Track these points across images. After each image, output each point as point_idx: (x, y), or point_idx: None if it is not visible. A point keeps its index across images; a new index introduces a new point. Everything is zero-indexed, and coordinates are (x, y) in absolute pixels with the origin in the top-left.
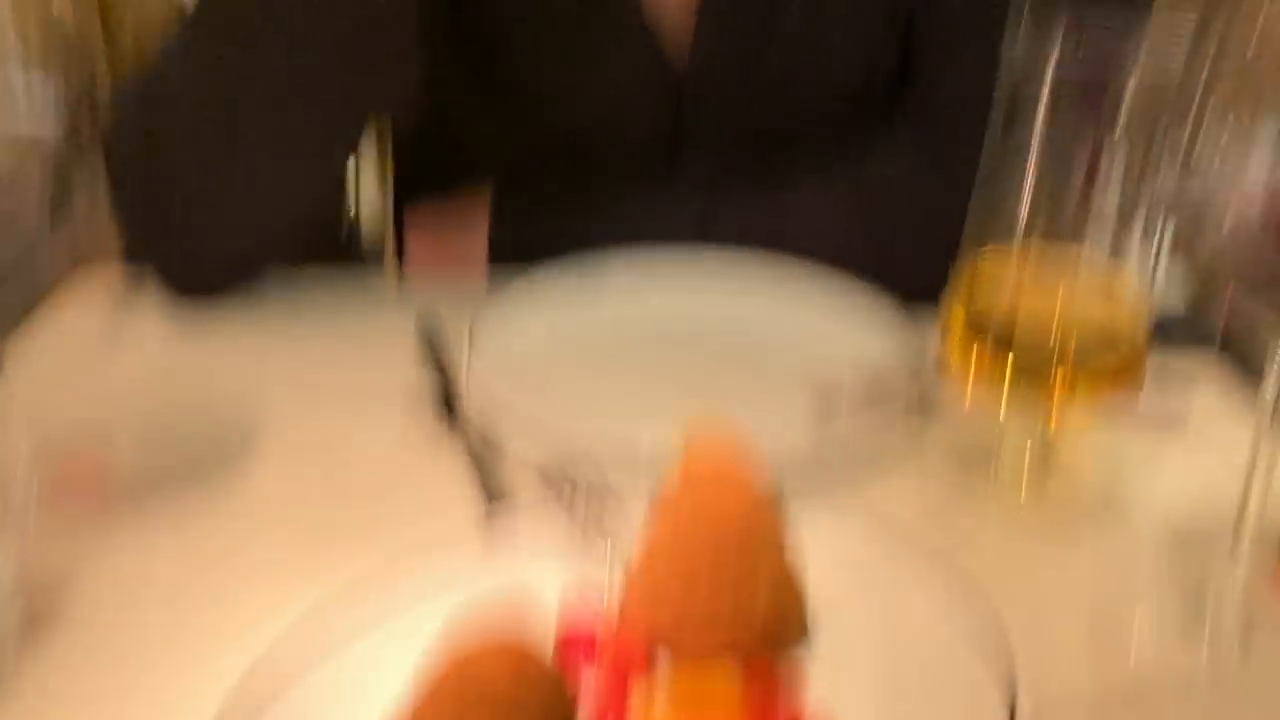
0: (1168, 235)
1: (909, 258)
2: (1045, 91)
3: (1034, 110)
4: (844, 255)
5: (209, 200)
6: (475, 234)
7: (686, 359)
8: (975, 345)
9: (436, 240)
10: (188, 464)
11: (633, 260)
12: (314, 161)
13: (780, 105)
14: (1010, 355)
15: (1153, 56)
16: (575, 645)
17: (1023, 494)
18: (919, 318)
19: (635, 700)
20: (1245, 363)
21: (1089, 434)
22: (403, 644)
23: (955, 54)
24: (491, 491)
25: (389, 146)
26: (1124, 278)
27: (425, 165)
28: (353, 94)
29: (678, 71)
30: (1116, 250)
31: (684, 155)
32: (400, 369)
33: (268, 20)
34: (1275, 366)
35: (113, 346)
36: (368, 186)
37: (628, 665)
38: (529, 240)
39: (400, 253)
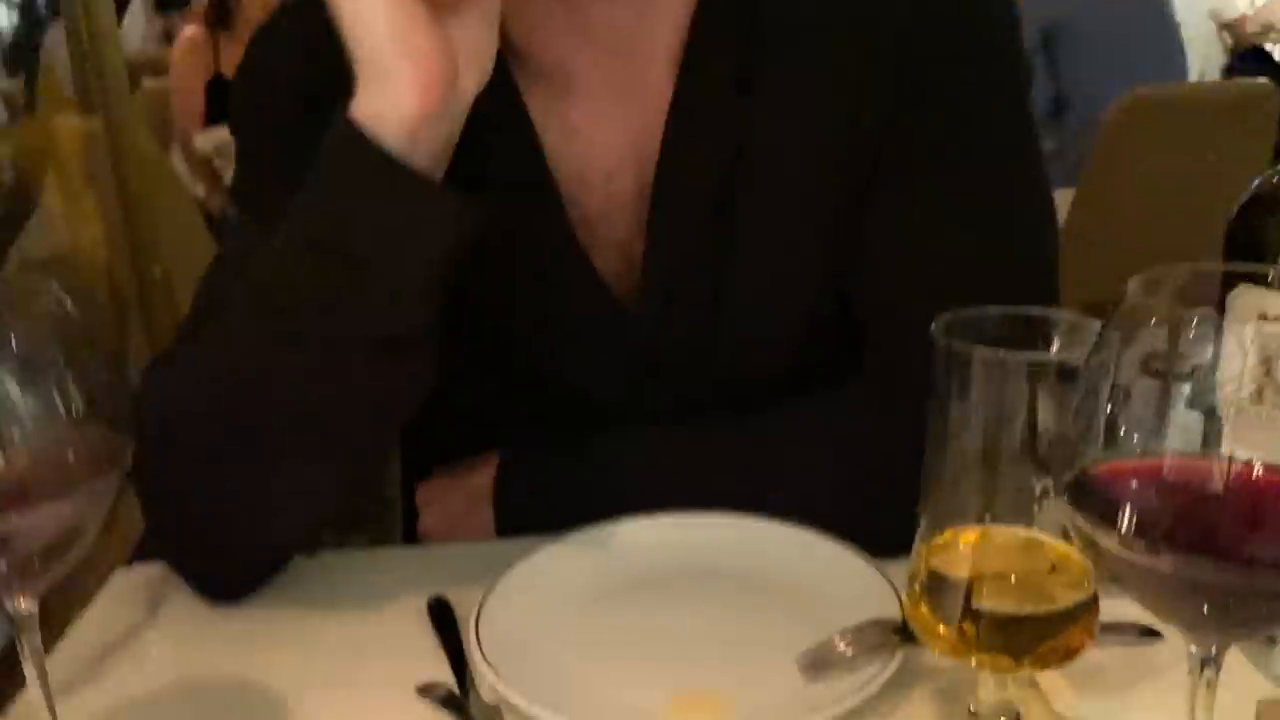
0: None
1: (884, 511)
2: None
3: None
4: (823, 510)
5: (237, 511)
6: (482, 503)
7: (684, 617)
8: (936, 612)
9: (446, 514)
10: None
11: (627, 528)
12: (346, 465)
13: (737, 354)
14: (973, 624)
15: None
16: None
17: None
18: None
19: None
20: None
21: (1061, 672)
22: None
23: (905, 316)
24: None
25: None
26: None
27: (426, 434)
28: (382, 398)
29: (632, 322)
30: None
31: (653, 402)
32: (412, 652)
33: (298, 330)
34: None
35: (144, 644)
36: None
37: None
38: (533, 504)
39: (411, 525)
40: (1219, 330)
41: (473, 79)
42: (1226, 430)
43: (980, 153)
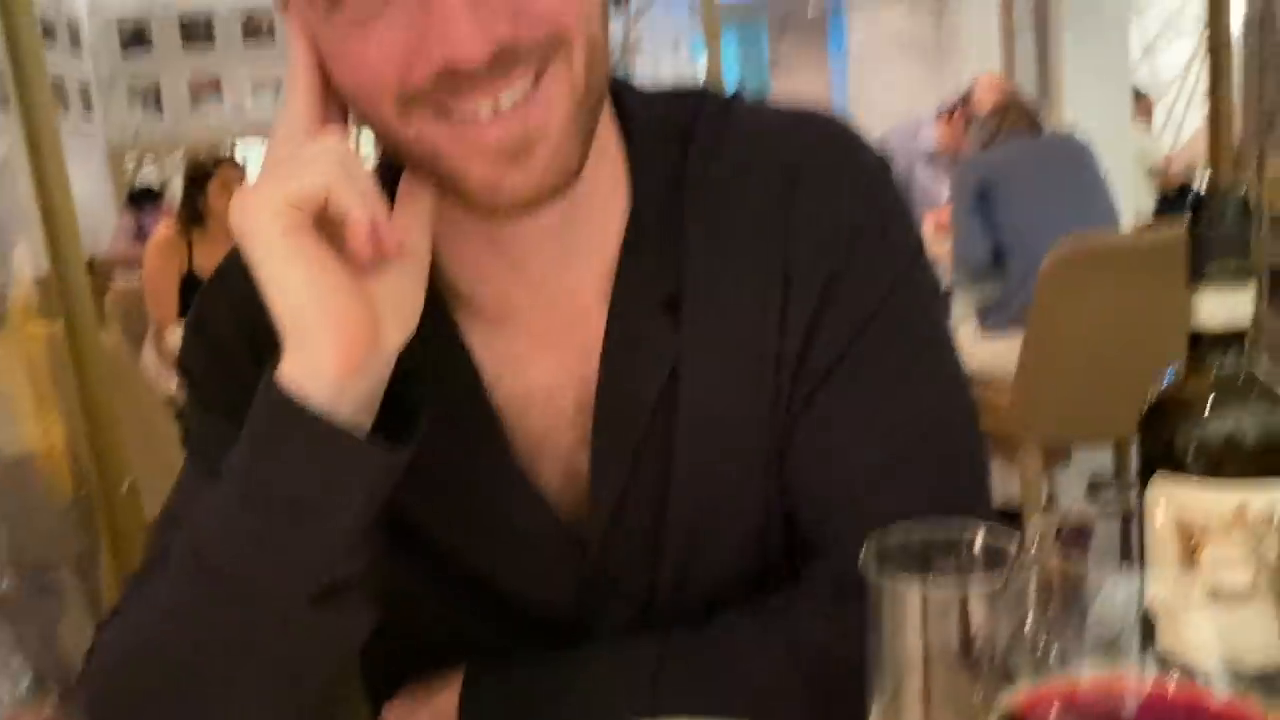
0: None
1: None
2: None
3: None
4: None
5: None
6: None
7: None
8: None
9: None
10: None
11: None
12: (297, 705)
13: (685, 567)
14: None
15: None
16: None
17: None
18: None
19: None
20: None
21: None
22: None
23: (839, 526)
24: None
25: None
26: None
27: (388, 652)
28: (324, 642)
29: (580, 538)
30: None
31: (605, 614)
32: None
33: (235, 585)
34: None
35: None
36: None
37: None
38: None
39: None
40: (1136, 533)
41: (397, 333)
42: (1158, 631)
43: (901, 367)
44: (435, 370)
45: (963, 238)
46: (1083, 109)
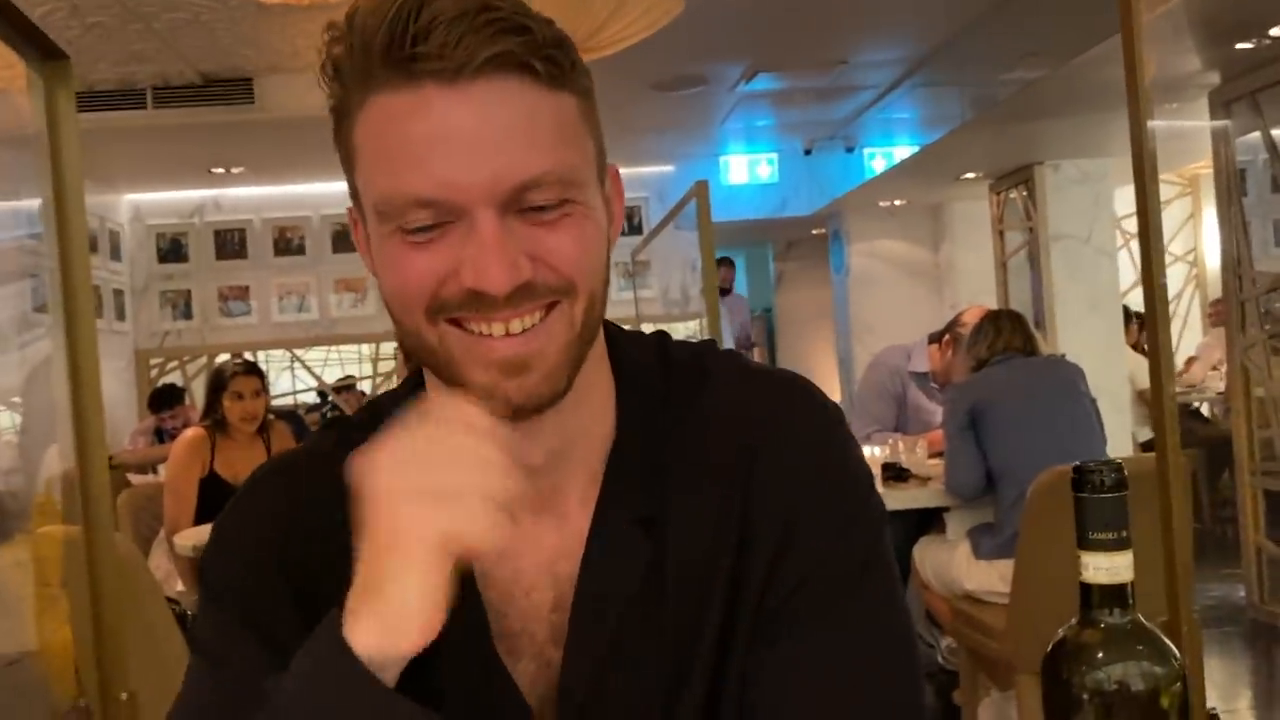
0: None
1: None
2: None
3: None
4: None
5: None
6: None
7: None
8: None
9: None
10: None
11: None
12: None
13: None
14: None
15: None
16: None
17: None
18: None
19: None
20: None
21: None
22: None
23: None
24: None
25: None
26: None
27: None
28: None
29: None
30: None
31: None
32: None
33: None
34: None
35: None
36: None
37: None
38: None
39: None
40: None
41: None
42: None
43: (846, 620)
44: None
45: (955, 462)
46: (1075, 335)
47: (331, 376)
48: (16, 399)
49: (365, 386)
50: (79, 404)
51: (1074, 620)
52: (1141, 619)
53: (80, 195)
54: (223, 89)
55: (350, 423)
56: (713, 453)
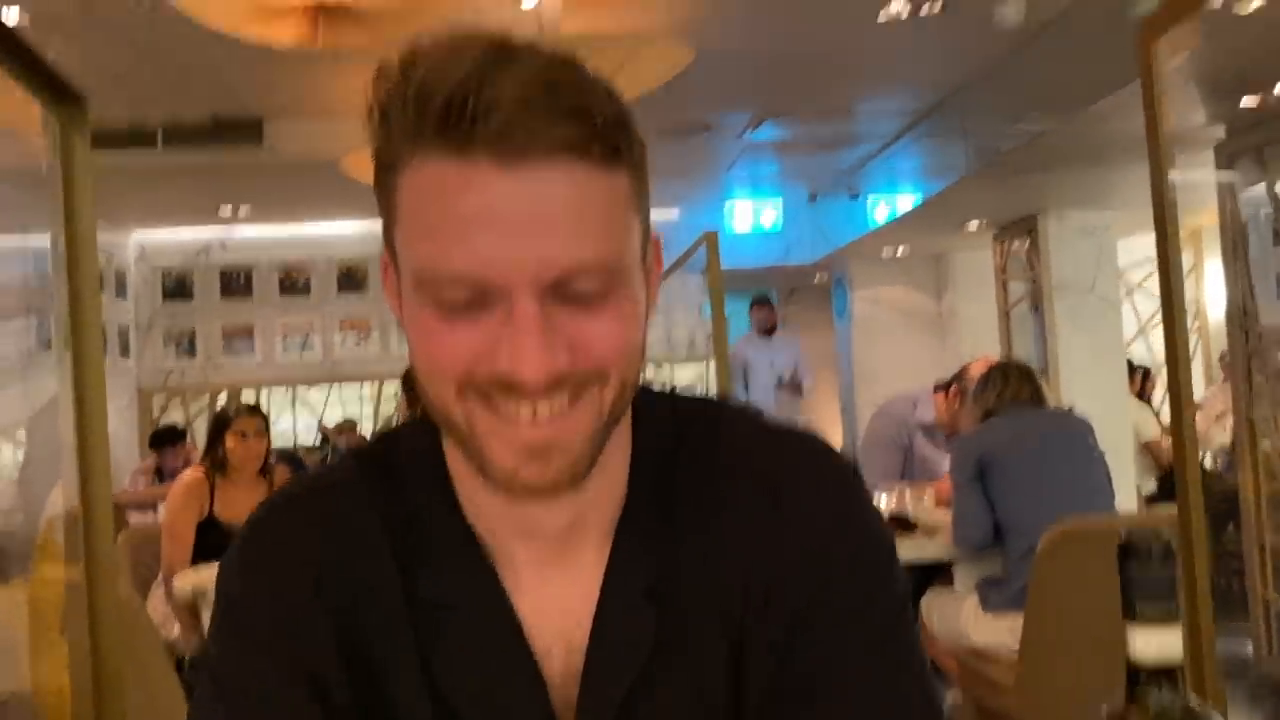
0: None
1: None
2: None
3: None
4: None
5: None
6: None
7: None
8: None
9: None
10: None
11: None
12: None
13: None
14: None
15: None
16: None
17: None
18: None
19: None
20: None
21: None
22: None
23: None
24: None
25: None
26: None
27: None
28: None
29: None
30: None
31: None
32: None
33: None
34: None
35: None
36: None
37: None
38: None
39: None
40: None
41: None
42: None
43: (872, 676)
44: (481, 611)
45: (963, 514)
46: (1079, 386)
47: (332, 417)
48: (20, 436)
49: (366, 428)
50: (84, 443)
51: (1118, 699)
52: (1193, 700)
53: (92, 237)
54: (233, 130)
55: (367, 454)
56: (727, 516)
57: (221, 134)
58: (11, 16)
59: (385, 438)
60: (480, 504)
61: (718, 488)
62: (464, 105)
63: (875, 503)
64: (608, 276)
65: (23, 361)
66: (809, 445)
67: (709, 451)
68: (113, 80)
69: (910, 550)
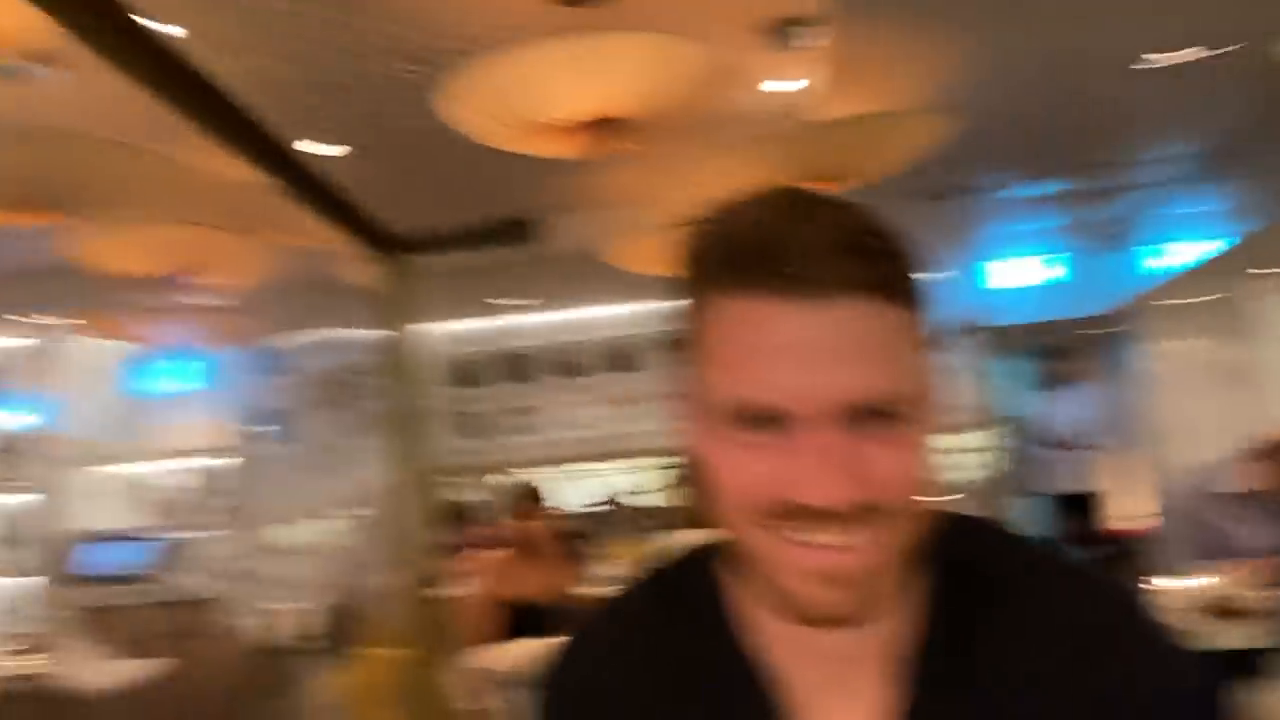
0: None
1: None
2: None
3: None
4: None
5: None
6: None
7: None
8: None
9: None
10: None
11: None
12: None
13: None
14: None
15: None
16: None
17: None
18: None
19: None
20: None
21: None
22: None
23: None
24: None
25: None
26: None
27: None
28: None
29: None
30: None
31: None
32: None
33: None
34: None
35: None
36: None
37: None
38: None
39: None
40: None
41: None
42: None
43: None
44: None
45: None
46: None
47: (591, 490)
48: (355, 516)
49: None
50: (417, 525)
51: None
52: None
53: (409, 343)
54: (508, 234)
55: (654, 586)
56: (1030, 669)
57: (498, 236)
58: (334, 150)
59: (657, 579)
60: (762, 625)
61: (1024, 639)
62: (778, 251)
63: (1195, 587)
64: (899, 406)
65: (346, 445)
66: (1124, 597)
67: (1011, 596)
68: (410, 195)
69: (1235, 639)
